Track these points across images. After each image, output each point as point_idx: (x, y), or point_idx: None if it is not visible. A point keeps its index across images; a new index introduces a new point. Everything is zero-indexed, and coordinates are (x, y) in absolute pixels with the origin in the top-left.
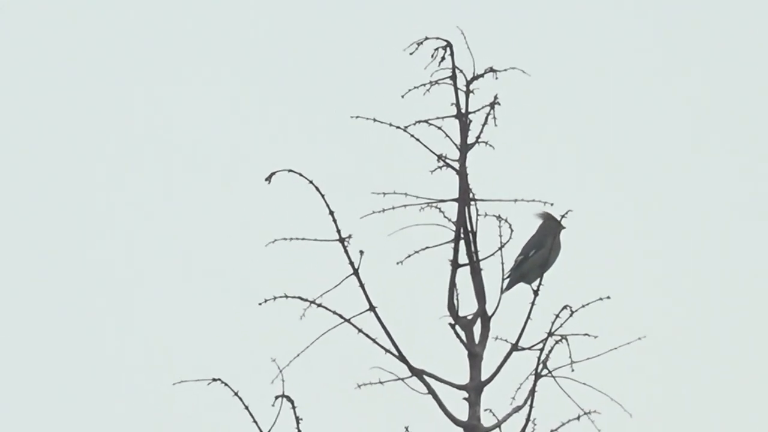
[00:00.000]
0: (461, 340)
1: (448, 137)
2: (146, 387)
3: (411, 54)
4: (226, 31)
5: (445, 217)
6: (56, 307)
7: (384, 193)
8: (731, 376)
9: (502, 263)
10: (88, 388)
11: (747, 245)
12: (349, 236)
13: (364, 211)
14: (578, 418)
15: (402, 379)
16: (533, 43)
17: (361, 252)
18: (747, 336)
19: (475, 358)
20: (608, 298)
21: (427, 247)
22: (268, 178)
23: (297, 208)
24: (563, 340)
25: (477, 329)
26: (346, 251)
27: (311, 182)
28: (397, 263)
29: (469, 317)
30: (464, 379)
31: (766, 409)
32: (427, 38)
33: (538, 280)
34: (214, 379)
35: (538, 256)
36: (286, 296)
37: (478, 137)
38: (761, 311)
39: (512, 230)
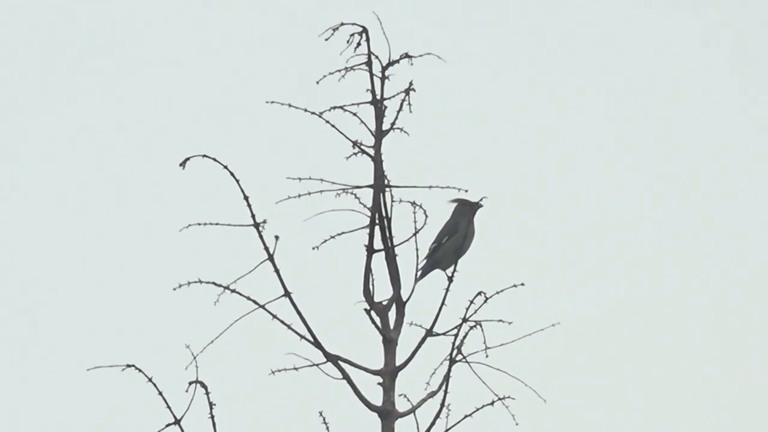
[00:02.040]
0: (376, 326)
1: (364, 123)
2: (60, 373)
3: (326, 40)
4: (138, 16)
5: (360, 203)
6: None
7: (299, 179)
8: (644, 361)
9: (417, 249)
10: (1, 374)
11: (657, 232)
12: (264, 221)
13: (279, 197)
14: (492, 403)
15: (317, 365)
16: (448, 29)
17: (276, 237)
18: (658, 320)
19: (390, 343)
20: (522, 284)
21: (342, 233)
22: (183, 164)
23: (211, 193)
24: (477, 326)
25: (392, 315)
26: (260, 236)
27: (226, 167)
28: (313, 248)
29: (384, 303)
30: (379, 364)
31: (678, 392)
32: (342, 24)
33: (453, 266)
34: (128, 365)
35: (451, 243)
36: (201, 281)
37: (393, 124)
38: (673, 295)
39: (427, 216)
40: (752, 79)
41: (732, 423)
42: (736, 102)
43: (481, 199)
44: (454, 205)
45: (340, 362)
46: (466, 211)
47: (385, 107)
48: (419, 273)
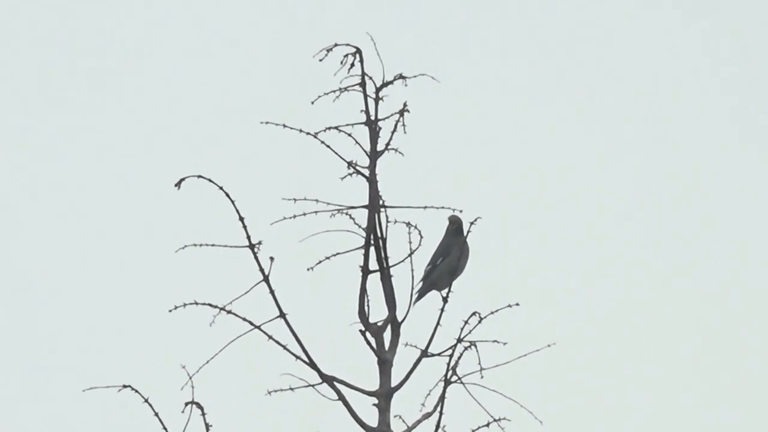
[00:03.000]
0: (371, 347)
1: (358, 144)
2: (57, 393)
3: (320, 60)
4: (131, 36)
5: (355, 223)
6: None
7: (294, 200)
8: (640, 382)
9: (412, 270)
10: None
11: (653, 251)
12: (260, 242)
13: (274, 218)
14: (488, 424)
15: (312, 386)
16: (443, 50)
17: (272, 258)
18: (654, 340)
19: (385, 364)
20: (517, 305)
21: (337, 254)
22: (178, 184)
23: (207, 214)
24: (472, 347)
25: (387, 336)
26: (256, 258)
27: (221, 188)
28: (308, 269)
29: (380, 324)
30: (374, 385)
31: (675, 413)
32: (336, 45)
33: (448, 286)
34: (125, 386)
35: (446, 264)
36: (196, 303)
37: (387, 144)
38: (669, 315)
39: (422, 237)
40: (745, 85)
41: None
42: (724, 112)
43: (475, 220)
44: (450, 223)
45: (335, 383)
46: (453, 230)
47: (380, 128)
48: (416, 295)
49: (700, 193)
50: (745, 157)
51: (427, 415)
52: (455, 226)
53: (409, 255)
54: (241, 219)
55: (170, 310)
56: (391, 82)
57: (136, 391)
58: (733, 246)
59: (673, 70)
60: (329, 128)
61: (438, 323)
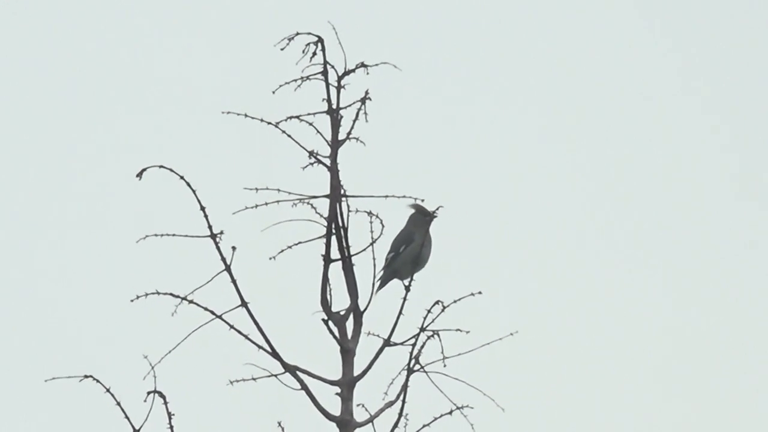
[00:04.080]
0: (334, 336)
1: (320, 133)
2: (18, 384)
3: (282, 49)
4: (92, 22)
5: (317, 212)
6: None
7: (256, 189)
8: (602, 370)
9: (374, 258)
10: None
11: (616, 238)
12: (221, 232)
13: (236, 207)
14: (451, 412)
15: (275, 375)
16: (404, 38)
17: (233, 248)
18: (616, 328)
19: (347, 353)
20: (480, 293)
21: (299, 243)
22: (139, 174)
23: (168, 204)
24: (435, 336)
25: (350, 325)
26: (218, 247)
27: (182, 178)
28: (270, 259)
29: (342, 313)
30: (337, 374)
31: (637, 400)
32: (298, 33)
33: (410, 275)
34: (86, 376)
35: (408, 252)
36: (158, 293)
37: (349, 133)
38: (632, 302)
39: (383, 226)
40: (725, 88)
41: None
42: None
43: (437, 209)
44: (410, 212)
45: (298, 372)
46: (421, 221)
47: (341, 117)
48: (378, 283)
49: (665, 179)
50: (724, 155)
51: (390, 404)
52: (428, 218)
53: (371, 244)
54: (203, 209)
55: (132, 300)
56: (353, 71)
57: (98, 381)
58: (695, 234)
59: (651, 67)
60: (291, 117)
61: (400, 312)
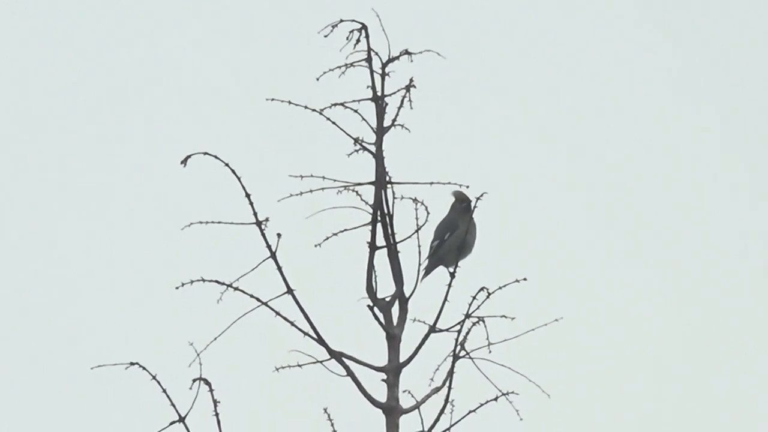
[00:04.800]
0: (379, 322)
1: (365, 120)
2: (64, 372)
3: (326, 36)
4: (137, 11)
5: (362, 200)
6: None
7: (301, 176)
8: (647, 355)
9: (419, 245)
10: (6, 374)
11: (664, 227)
12: (267, 219)
13: (281, 194)
14: (496, 399)
15: (320, 362)
16: (448, 25)
17: (279, 235)
18: (661, 315)
19: (393, 339)
20: (525, 279)
21: (344, 230)
22: (184, 161)
23: (213, 191)
24: (480, 322)
25: (395, 311)
26: (263, 234)
27: (227, 165)
28: (315, 246)
29: (387, 299)
30: (383, 361)
31: (682, 387)
32: (342, 20)
33: (456, 262)
34: (132, 363)
35: (453, 239)
36: (203, 280)
37: (394, 120)
38: (675, 292)
39: (428, 213)
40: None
41: (734, 413)
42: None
43: (480, 196)
44: (455, 198)
45: (343, 359)
46: (459, 207)
47: (386, 104)
48: (423, 271)
49: (693, 170)
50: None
51: (436, 390)
52: (464, 204)
53: (416, 231)
54: (248, 196)
55: (177, 288)
56: (397, 58)
57: (144, 369)
58: (725, 223)
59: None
60: (335, 104)
61: (446, 299)
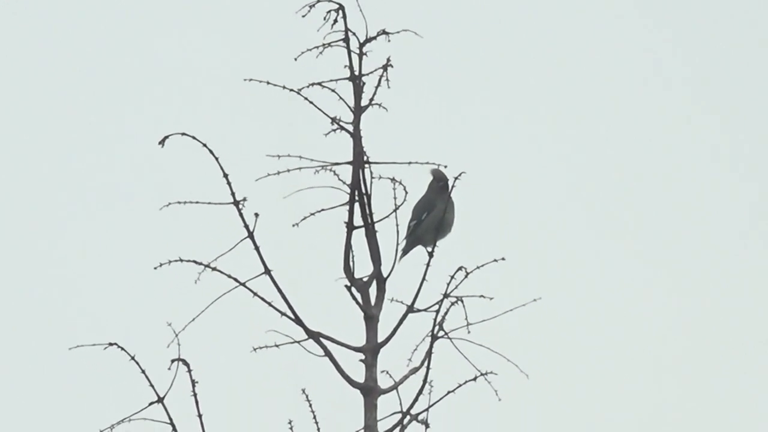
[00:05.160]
0: (357, 302)
1: (342, 100)
2: (43, 352)
3: (303, 17)
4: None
5: (339, 179)
6: None
7: (279, 156)
8: (625, 336)
9: (397, 225)
10: None
11: (641, 206)
12: (244, 199)
13: (258, 174)
14: (475, 378)
15: (298, 342)
16: (426, 5)
17: (256, 215)
18: (639, 295)
19: (371, 320)
20: (503, 259)
21: (322, 210)
22: (162, 142)
23: (191, 171)
24: (459, 302)
25: (373, 291)
26: (240, 214)
27: (205, 145)
28: (293, 226)
29: (365, 279)
30: (361, 341)
31: (660, 368)
32: (319, 1)
33: (434, 242)
34: (111, 344)
35: (431, 219)
36: (181, 260)
37: (371, 100)
38: (654, 273)
39: (406, 192)
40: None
41: (714, 401)
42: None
43: (459, 175)
44: (432, 176)
45: (321, 339)
46: (437, 187)
47: (364, 83)
48: (401, 251)
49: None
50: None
51: (414, 370)
52: (441, 183)
53: (394, 210)
54: (226, 176)
55: (155, 268)
56: (374, 38)
57: (122, 349)
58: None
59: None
60: (313, 84)
61: (424, 278)
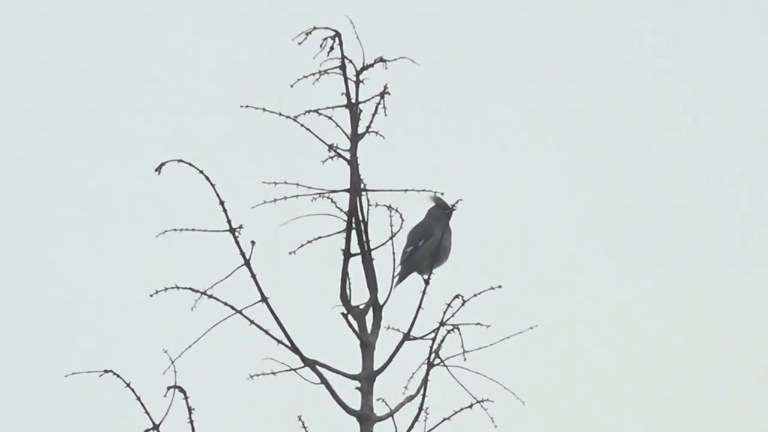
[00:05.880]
0: (353, 330)
1: (339, 127)
2: (38, 379)
3: (300, 44)
4: (110, 18)
5: (336, 207)
6: None
7: (275, 183)
8: (623, 363)
9: (393, 252)
10: None
11: (640, 235)
12: (240, 226)
13: (255, 202)
14: (471, 406)
15: (294, 370)
16: (422, 33)
17: (253, 242)
18: (637, 322)
19: (367, 347)
20: (500, 287)
21: (319, 237)
22: (158, 169)
23: (187, 198)
24: (455, 330)
25: (369, 319)
26: (237, 242)
27: (201, 172)
28: (289, 253)
29: (362, 307)
30: (357, 368)
31: (656, 395)
32: (315, 28)
33: (430, 269)
34: (106, 371)
35: (428, 246)
36: (177, 287)
37: (368, 127)
38: (651, 299)
39: (403, 220)
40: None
41: (713, 422)
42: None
43: (456, 202)
44: (430, 206)
45: (317, 367)
46: (440, 214)
47: (360, 111)
48: (397, 278)
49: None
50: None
51: (410, 398)
52: (447, 211)
53: (391, 238)
54: (222, 203)
55: (152, 295)
56: (371, 65)
57: (118, 376)
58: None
59: (648, 68)
60: (309, 111)
61: (420, 306)
